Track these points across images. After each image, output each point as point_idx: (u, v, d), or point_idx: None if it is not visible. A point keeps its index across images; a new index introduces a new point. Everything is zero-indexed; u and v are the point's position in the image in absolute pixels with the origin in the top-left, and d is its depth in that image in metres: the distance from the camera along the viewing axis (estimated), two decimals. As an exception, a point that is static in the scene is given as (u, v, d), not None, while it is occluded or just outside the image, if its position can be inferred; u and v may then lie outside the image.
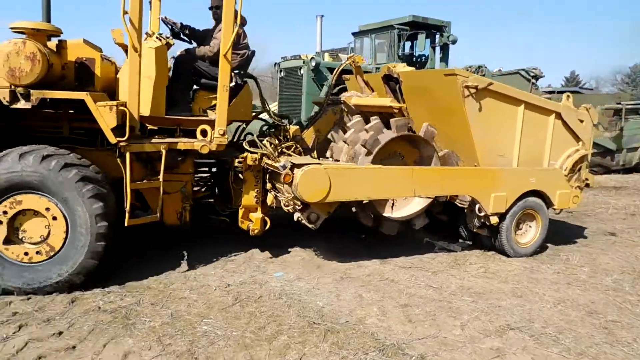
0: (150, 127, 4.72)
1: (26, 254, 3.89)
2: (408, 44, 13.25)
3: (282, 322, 3.69)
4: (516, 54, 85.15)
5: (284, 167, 4.45)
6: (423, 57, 13.56)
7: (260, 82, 5.80)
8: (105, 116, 4.04)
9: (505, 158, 5.38)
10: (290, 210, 4.66)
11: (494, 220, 5.20)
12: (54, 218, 3.91)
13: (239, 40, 4.97)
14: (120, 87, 4.55)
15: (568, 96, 5.71)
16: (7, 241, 3.86)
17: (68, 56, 4.42)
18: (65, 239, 3.93)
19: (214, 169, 5.40)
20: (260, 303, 4.01)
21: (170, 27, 5.14)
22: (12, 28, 4.05)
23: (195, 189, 5.18)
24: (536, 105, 5.42)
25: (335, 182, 4.42)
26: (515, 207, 5.37)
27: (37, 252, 3.90)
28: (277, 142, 5.18)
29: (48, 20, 4.90)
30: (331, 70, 11.81)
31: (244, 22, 5.21)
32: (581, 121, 5.71)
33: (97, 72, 4.42)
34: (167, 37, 4.93)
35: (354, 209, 5.12)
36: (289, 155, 5.10)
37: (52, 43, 4.36)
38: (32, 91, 3.90)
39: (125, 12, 4.02)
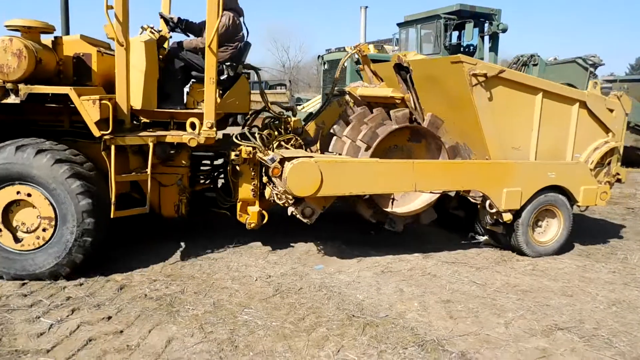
0: (143, 120, 4.78)
1: (18, 241, 4.05)
2: (455, 33, 12.90)
3: (321, 314, 3.70)
4: (575, 41, 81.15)
5: (273, 160, 4.39)
6: (471, 47, 13.17)
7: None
8: (88, 110, 4.08)
9: (521, 151, 5.02)
10: (284, 204, 4.55)
11: (507, 217, 4.88)
12: (45, 210, 4.04)
13: (231, 31, 4.90)
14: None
15: (595, 83, 5.27)
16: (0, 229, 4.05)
17: (64, 52, 4.55)
18: (54, 231, 4.05)
19: (216, 162, 5.38)
20: (300, 295, 4.04)
21: (167, 21, 5.17)
22: (7, 26, 4.21)
23: (201, 181, 5.19)
24: (556, 93, 5.01)
25: (327, 175, 4.29)
26: (532, 203, 5.02)
27: (28, 241, 4.06)
28: (276, 134, 5.10)
29: (67, 19, 5.03)
30: (375, 62, 11.69)
31: (240, 12, 5.14)
32: (611, 110, 5.24)
33: (93, 67, 4.52)
34: (159, 31, 4.95)
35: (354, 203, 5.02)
36: (286, 148, 4.94)
37: (48, 40, 4.50)
38: (20, 86, 4.01)
39: (109, 7, 4.12)
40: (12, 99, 4.03)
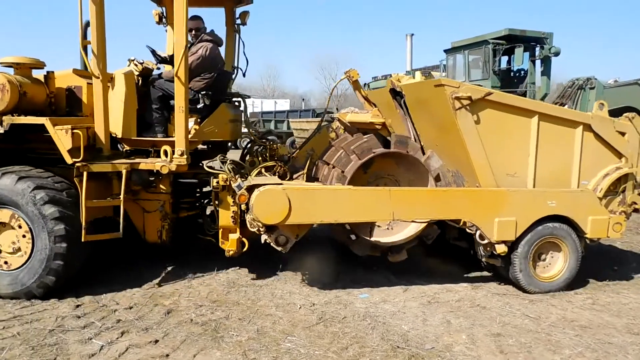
0: (126, 148, 4.97)
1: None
2: (505, 58, 12.70)
3: (365, 344, 3.62)
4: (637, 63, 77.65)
5: (239, 187, 4.37)
6: (522, 72, 12.92)
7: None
8: (62, 138, 4.30)
9: (518, 178, 4.68)
10: (258, 232, 4.46)
11: (501, 249, 4.54)
12: (24, 235, 4.27)
13: (208, 62, 5.01)
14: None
15: (602, 104, 4.83)
16: None
17: (56, 85, 4.86)
18: (31, 254, 4.25)
19: (205, 189, 5.38)
20: (344, 324, 3.98)
21: (154, 54, 5.31)
22: (1, 62, 4.59)
23: (186, 208, 5.21)
24: (555, 116, 4.67)
25: (296, 203, 4.20)
26: (529, 234, 4.64)
27: (6, 262, 4.31)
28: (260, 160, 5.08)
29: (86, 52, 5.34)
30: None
31: (219, 43, 5.26)
32: (622, 134, 4.80)
33: (84, 98, 4.79)
34: (142, 62, 5.10)
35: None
36: (265, 175, 4.87)
37: (41, 74, 4.82)
38: (3, 117, 4.32)
39: (86, 43, 4.36)
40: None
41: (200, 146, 5.51)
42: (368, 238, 4.91)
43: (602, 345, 3.68)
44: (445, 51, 13.92)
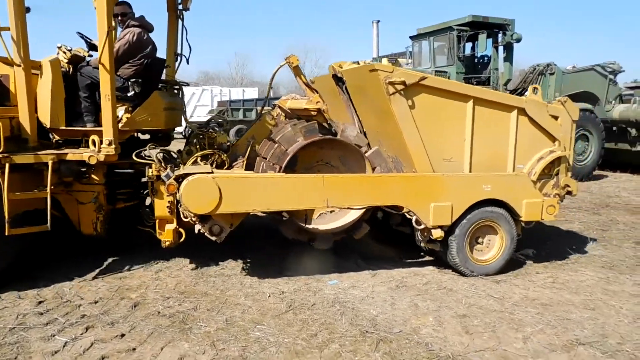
0: (55, 138, 4.80)
1: None
2: (469, 45, 12.86)
3: (334, 330, 3.65)
4: (597, 50, 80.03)
5: (168, 176, 4.29)
6: (485, 58, 13.12)
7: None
8: None
9: (454, 163, 4.66)
10: (191, 222, 4.37)
11: (437, 234, 4.56)
12: None
13: (135, 48, 4.89)
14: (37, 100, 4.68)
15: (535, 89, 4.86)
16: None
17: None
18: None
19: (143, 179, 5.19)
20: (313, 311, 4.00)
21: (85, 40, 5.21)
22: None
23: (122, 199, 5.11)
24: (490, 100, 4.65)
25: (227, 192, 4.10)
26: (465, 219, 4.66)
27: None
28: (197, 148, 5.02)
29: None
30: (389, 75, 11.71)
31: (149, 28, 5.12)
32: (555, 117, 4.84)
33: (11, 87, 4.57)
34: (70, 50, 4.97)
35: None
36: (201, 164, 4.73)
37: None
38: None
39: (3, 29, 4.21)
40: None
41: (143, 136, 5.40)
42: (299, 222, 4.80)
43: (562, 321, 3.83)
44: (411, 37, 13.99)
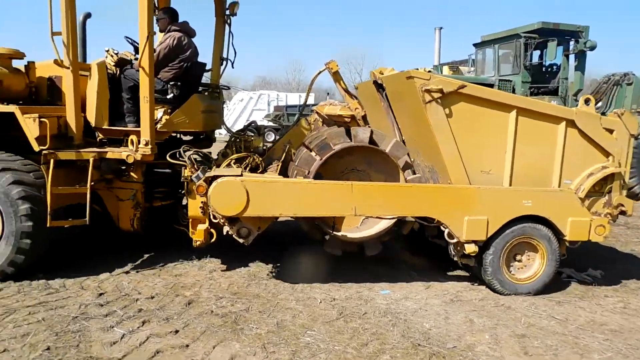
0: (100, 137, 4.97)
1: None
2: (537, 53, 12.35)
3: (385, 340, 3.57)
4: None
5: (198, 177, 4.32)
6: (554, 67, 12.54)
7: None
8: (30, 126, 4.41)
9: (493, 175, 4.46)
10: (221, 223, 4.40)
11: (470, 249, 4.34)
12: None
13: (175, 52, 5.00)
14: (87, 100, 4.89)
15: (588, 99, 4.54)
16: None
17: (37, 74, 5.01)
18: (1, 235, 4.34)
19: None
20: (364, 320, 3.93)
21: (132, 44, 5.36)
22: None
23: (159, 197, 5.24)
24: (535, 111, 4.42)
25: (254, 195, 4.12)
26: (503, 234, 4.41)
27: None
28: (232, 152, 5.01)
29: (83, 43, 5.42)
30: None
31: (191, 33, 5.22)
32: (609, 131, 4.50)
33: (63, 88, 4.76)
34: (117, 53, 5.11)
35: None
36: (234, 167, 4.71)
37: (21, 65, 4.99)
38: None
39: (55, 34, 4.37)
40: None
41: (185, 137, 5.59)
42: (338, 234, 4.73)
43: (635, 351, 3.53)
44: (475, 45, 13.61)
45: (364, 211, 4.36)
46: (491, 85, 12.21)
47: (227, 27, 5.80)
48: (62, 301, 4.06)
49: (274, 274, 4.92)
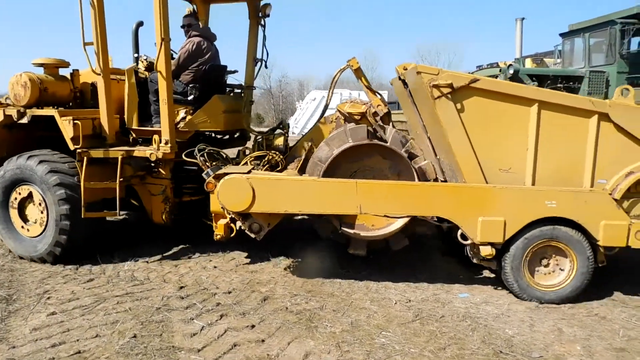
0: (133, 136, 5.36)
1: (27, 230, 5.09)
2: (636, 40, 11.30)
3: (464, 346, 3.40)
4: None
5: (208, 175, 4.48)
6: (656, 55, 11.41)
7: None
8: (66, 128, 4.89)
9: (513, 174, 4.13)
10: (235, 218, 4.48)
11: (486, 251, 4.08)
12: (41, 211, 4.97)
13: (194, 56, 5.31)
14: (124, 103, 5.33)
15: (626, 89, 4.06)
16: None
17: (81, 81, 5.56)
18: (47, 219, 4.92)
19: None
20: (441, 323, 3.78)
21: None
22: (33, 63, 5.33)
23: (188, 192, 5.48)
24: (560, 104, 4.02)
25: (260, 192, 4.20)
26: (524, 236, 4.09)
27: (28, 230, 5.08)
28: (250, 151, 5.18)
29: (137, 49, 5.87)
30: (532, 77, 10.79)
31: (211, 38, 5.51)
32: None
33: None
34: (146, 58, 5.39)
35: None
36: (249, 165, 4.91)
37: (68, 73, 5.54)
38: (27, 110, 5.07)
39: (87, 44, 4.77)
40: (24, 120, 5.10)
41: (220, 136, 5.98)
42: (360, 233, 4.72)
43: None
44: (562, 35, 12.70)
45: (369, 209, 4.28)
46: (581, 78, 11.37)
47: (260, 28, 6.01)
48: (146, 292, 4.30)
49: (348, 273, 4.87)
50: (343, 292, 4.41)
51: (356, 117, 4.97)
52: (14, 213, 5.13)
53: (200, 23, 5.75)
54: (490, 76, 11.09)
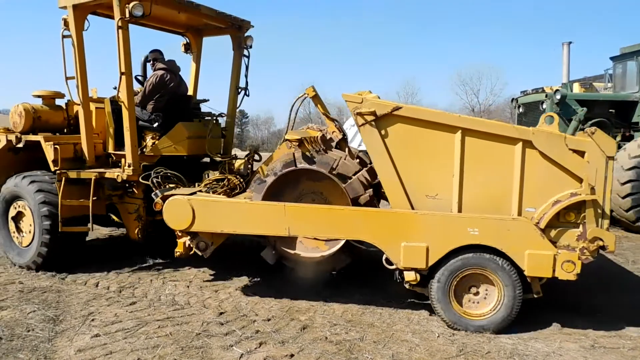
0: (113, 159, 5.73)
1: (20, 241, 5.74)
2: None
3: (512, 386, 3.22)
4: None
5: (156, 195, 4.90)
6: None
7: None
8: (48, 151, 5.48)
9: (440, 200, 4.13)
10: (181, 236, 4.75)
11: (410, 276, 4.13)
12: (30, 224, 5.58)
13: (157, 88, 5.77)
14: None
15: (551, 117, 3.98)
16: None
17: (75, 110, 6.09)
18: (34, 232, 5.55)
19: None
20: (487, 359, 3.60)
21: (138, 81, 6.25)
22: (33, 95, 6.06)
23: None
24: (484, 132, 4.00)
25: (199, 213, 4.54)
26: (448, 263, 4.06)
27: (20, 241, 5.75)
28: (215, 174, 5.43)
29: (144, 74, 6.36)
30: (581, 102, 10.42)
31: (174, 70, 5.98)
32: (580, 153, 3.86)
33: (93, 121, 5.81)
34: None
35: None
36: (196, 187, 5.18)
37: (63, 103, 6.21)
38: (22, 136, 5.76)
39: (69, 78, 5.37)
40: (20, 145, 5.79)
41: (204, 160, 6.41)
42: (292, 252, 4.85)
43: None
44: (612, 58, 12.27)
45: (297, 231, 4.48)
46: (635, 103, 10.91)
47: (244, 59, 6.49)
48: (186, 317, 4.33)
49: (389, 303, 4.75)
50: (384, 322, 4.30)
51: (294, 143, 5.02)
52: (12, 225, 5.84)
53: (164, 57, 6.20)
54: (535, 102, 10.83)
